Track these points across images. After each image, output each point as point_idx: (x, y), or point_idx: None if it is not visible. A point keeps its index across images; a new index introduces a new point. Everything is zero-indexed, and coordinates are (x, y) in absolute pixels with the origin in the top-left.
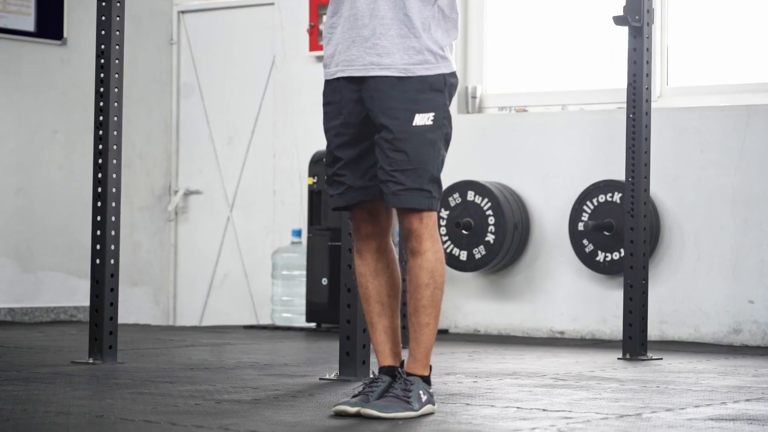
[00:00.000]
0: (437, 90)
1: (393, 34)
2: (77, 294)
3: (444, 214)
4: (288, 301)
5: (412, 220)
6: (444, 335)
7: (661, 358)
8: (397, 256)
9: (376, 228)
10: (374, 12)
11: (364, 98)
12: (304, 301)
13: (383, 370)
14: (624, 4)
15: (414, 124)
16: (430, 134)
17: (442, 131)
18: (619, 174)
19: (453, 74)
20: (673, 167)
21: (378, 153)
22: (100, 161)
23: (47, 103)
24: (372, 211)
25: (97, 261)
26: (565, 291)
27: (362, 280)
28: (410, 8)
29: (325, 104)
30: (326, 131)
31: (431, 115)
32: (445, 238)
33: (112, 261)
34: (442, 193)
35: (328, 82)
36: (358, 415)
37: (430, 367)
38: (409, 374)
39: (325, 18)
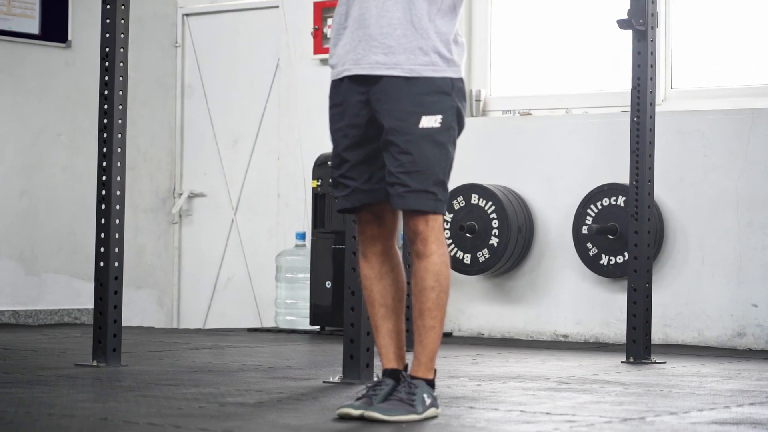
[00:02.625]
0: (444, 93)
1: (399, 34)
2: (81, 296)
3: (448, 217)
4: (292, 304)
5: (417, 222)
6: (448, 338)
7: (665, 362)
8: (402, 260)
9: (381, 230)
10: (382, 12)
11: (371, 100)
12: (308, 304)
13: (387, 372)
14: (628, 7)
15: (421, 126)
16: (437, 136)
17: (450, 134)
18: (623, 177)
19: (460, 79)
20: (677, 171)
21: (385, 155)
22: (104, 164)
23: (51, 105)
24: (377, 213)
25: (101, 263)
26: (569, 294)
27: (367, 283)
28: (418, 9)
29: (331, 107)
30: (332, 133)
31: (439, 117)
32: (449, 242)
33: (116, 263)
34: (449, 197)
35: (334, 84)
36: (361, 418)
37: (435, 370)
38: (413, 377)
39: (331, 21)
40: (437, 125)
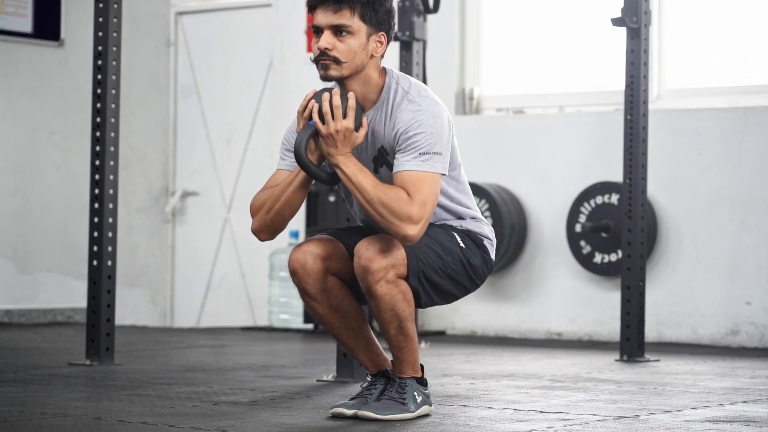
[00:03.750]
0: (475, 243)
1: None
2: (74, 295)
3: None
4: (285, 303)
5: (373, 259)
6: (441, 337)
7: (659, 360)
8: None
9: (321, 268)
10: None
11: None
12: (301, 303)
13: (377, 374)
14: (621, 5)
15: (447, 232)
16: (456, 250)
17: (461, 262)
18: (617, 175)
19: (492, 261)
20: (670, 169)
21: None
22: (97, 163)
23: (44, 104)
24: (333, 258)
25: (95, 262)
26: (563, 292)
27: (324, 319)
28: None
29: None
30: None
31: (464, 245)
32: None
33: (110, 262)
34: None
35: None
36: (355, 417)
37: (422, 367)
38: (401, 377)
39: None
40: (461, 244)
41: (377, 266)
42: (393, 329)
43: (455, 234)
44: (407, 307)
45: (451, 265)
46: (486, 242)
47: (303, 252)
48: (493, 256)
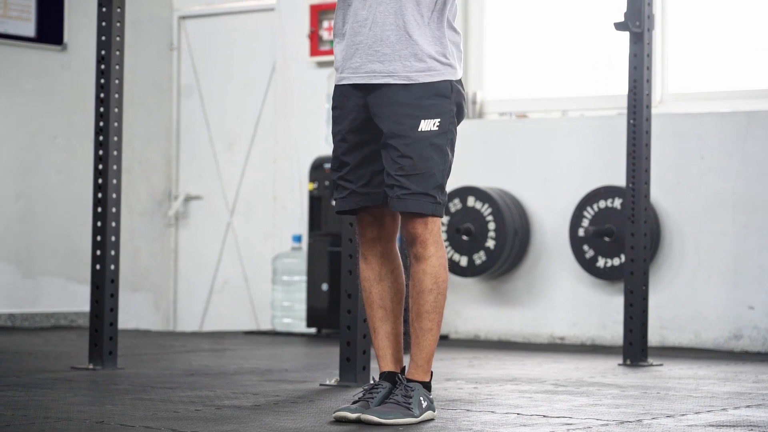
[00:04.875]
0: (443, 96)
1: (393, 41)
2: (77, 299)
3: (444, 219)
4: (288, 307)
5: (416, 225)
6: (444, 341)
7: (662, 364)
8: (401, 262)
9: (381, 232)
10: (375, 19)
11: (369, 104)
12: (304, 307)
13: (384, 375)
14: (625, 9)
15: (419, 129)
16: (436, 140)
17: (447, 137)
18: (620, 180)
19: (459, 81)
20: (673, 173)
21: (384, 157)
22: (100, 166)
23: (47, 108)
24: (377, 216)
25: (97, 266)
26: (566, 297)
27: (366, 285)
28: (409, 15)
29: (333, 108)
30: (333, 136)
31: (437, 120)
32: (445, 244)
33: (112, 266)
34: (447, 200)
35: (336, 87)
36: (358, 421)
37: (431, 373)
38: (409, 380)
39: (326, 23)
40: (435, 128)
41: (422, 228)
42: (430, 302)
43: (444, 124)
44: (446, 277)
45: (449, 156)
46: (456, 72)
47: (378, 222)
48: (459, 74)
